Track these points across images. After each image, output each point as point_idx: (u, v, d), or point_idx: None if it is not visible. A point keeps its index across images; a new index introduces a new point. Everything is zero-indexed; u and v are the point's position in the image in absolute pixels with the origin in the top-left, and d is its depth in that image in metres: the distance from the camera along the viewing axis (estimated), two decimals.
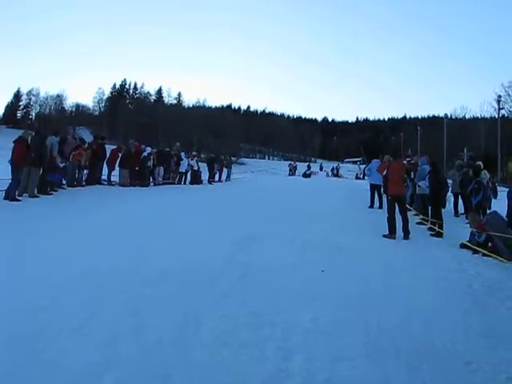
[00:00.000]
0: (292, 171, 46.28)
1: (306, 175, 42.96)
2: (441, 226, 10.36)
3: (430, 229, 10.75)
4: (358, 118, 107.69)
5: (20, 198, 11.56)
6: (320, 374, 3.58)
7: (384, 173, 10.79)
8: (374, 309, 5.03)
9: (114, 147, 18.40)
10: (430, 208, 11.31)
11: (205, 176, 23.52)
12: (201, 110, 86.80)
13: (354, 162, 70.30)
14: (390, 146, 62.61)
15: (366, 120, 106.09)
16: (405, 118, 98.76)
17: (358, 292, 5.59)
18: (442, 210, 10.88)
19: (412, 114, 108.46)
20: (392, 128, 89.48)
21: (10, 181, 11.61)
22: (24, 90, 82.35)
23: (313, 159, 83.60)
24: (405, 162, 13.65)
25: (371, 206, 14.66)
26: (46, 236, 7.70)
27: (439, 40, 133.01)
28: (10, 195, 11.29)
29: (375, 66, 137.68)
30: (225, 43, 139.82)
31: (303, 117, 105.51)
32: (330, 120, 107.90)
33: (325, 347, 4.01)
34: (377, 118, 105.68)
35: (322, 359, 3.80)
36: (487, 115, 60.98)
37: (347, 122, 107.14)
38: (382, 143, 79.79)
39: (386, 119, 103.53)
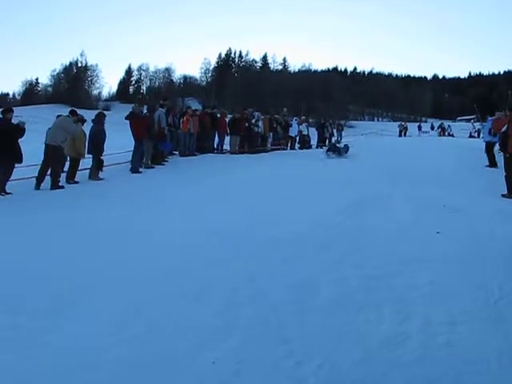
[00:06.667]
0: (403, 132, 43.76)
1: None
2: None
3: None
4: (470, 73, 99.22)
5: (141, 170, 12.23)
6: (439, 337, 3.44)
7: (503, 129, 9.88)
8: (495, 272, 4.72)
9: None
10: None
11: (314, 140, 23.24)
12: (307, 74, 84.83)
13: (468, 120, 65.25)
14: (506, 101, 57.30)
15: (480, 74, 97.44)
16: None
17: (476, 254, 5.27)
18: None
19: None
20: (508, 82, 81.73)
21: (124, 153, 12.48)
22: (134, 66, 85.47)
23: (423, 118, 79.23)
24: None
25: (491, 165, 13.45)
26: (168, 203, 8.23)
27: None
28: (136, 168, 12.03)
29: (485, 17, 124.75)
30: (327, 5, 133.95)
31: (412, 75, 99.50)
32: (440, 77, 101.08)
33: (443, 311, 3.85)
34: (491, 72, 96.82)
35: (441, 322, 3.66)
36: None
37: (459, 77, 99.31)
38: (497, 98, 73.35)
39: (502, 72, 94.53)
